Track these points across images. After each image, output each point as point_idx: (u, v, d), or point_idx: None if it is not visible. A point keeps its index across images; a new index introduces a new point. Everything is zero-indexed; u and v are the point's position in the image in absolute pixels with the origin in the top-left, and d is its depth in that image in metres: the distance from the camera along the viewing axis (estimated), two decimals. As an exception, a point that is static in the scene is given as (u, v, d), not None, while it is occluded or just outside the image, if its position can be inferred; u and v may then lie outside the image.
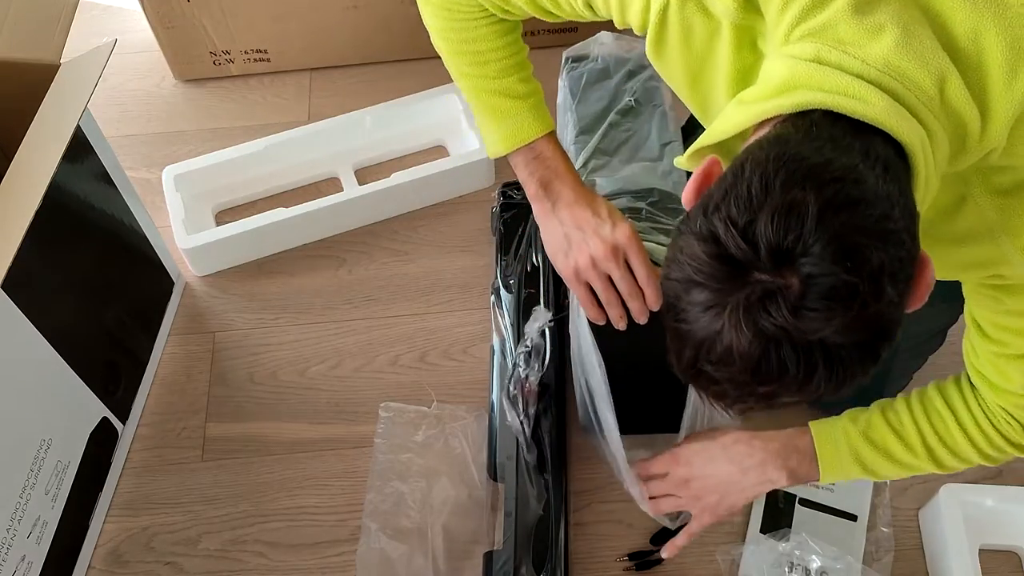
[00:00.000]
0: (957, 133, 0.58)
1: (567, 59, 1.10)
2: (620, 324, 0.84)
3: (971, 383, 0.78)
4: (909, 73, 0.55)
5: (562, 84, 1.10)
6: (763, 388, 0.53)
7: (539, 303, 1.05)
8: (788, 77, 0.56)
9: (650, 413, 0.97)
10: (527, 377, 0.97)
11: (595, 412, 0.92)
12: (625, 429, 0.91)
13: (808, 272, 0.49)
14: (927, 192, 0.58)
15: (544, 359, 0.99)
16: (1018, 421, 0.76)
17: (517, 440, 0.99)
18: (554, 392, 1.03)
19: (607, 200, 0.84)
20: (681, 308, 0.54)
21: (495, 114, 0.85)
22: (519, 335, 1.05)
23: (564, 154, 0.86)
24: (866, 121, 0.53)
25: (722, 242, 0.51)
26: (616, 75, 1.05)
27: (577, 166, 0.97)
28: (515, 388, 0.98)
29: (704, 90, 0.71)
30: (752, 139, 0.58)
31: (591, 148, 1.00)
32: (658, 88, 1.05)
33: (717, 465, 0.89)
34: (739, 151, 0.56)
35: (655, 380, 0.93)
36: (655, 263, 0.83)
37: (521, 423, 0.98)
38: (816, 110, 0.54)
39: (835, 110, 0.54)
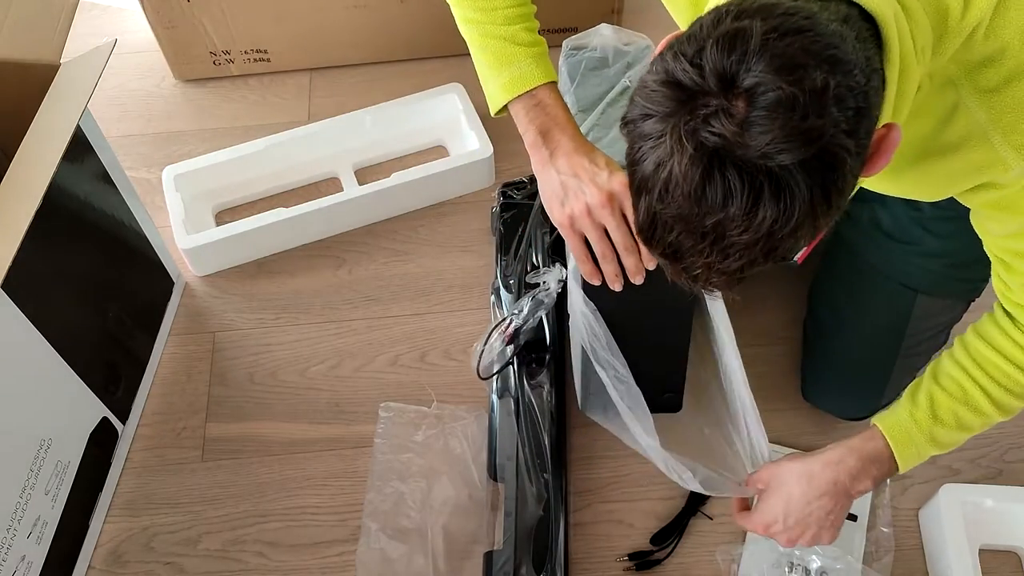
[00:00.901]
0: (938, 12, 0.59)
1: (567, 46, 1.11)
2: (615, 284, 0.81)
3: (1008, 314, 0.76)
4: None
5: (562, 68, 1.10)
6: (710, 220, 0.53)
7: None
8: None
9: (648, 392, 0.97)
10: (511, 322, 0.99)
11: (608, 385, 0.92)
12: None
13: (749, 84, 0.50)
14: (908, 81, 0.58)
15: (533, 317, 1.00)
16: None
17: (517, 440, 0.99)
18: (554, 393, 1.03)
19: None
20: (636, 150, 0.55)
21: (498, 61, 0.85)
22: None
23: (565, 105, 0.85)
24: None
25: (670, 70, 0.53)
26: (615, 65, 1.06)
27: None
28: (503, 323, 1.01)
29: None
30: None
31: (589, 124, 1.00)
32: None
33: (809, 503, 0.84)
34: None
35: (653, 359, 0.94)
36: None
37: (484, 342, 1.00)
38: None
39: None
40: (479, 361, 1.00)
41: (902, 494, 1.02)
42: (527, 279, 1.03)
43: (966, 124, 0.64)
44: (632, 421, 0.91)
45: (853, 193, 0.61)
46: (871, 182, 0.76)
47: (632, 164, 0.56)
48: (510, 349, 1.02)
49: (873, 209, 0.95)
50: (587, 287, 0.85)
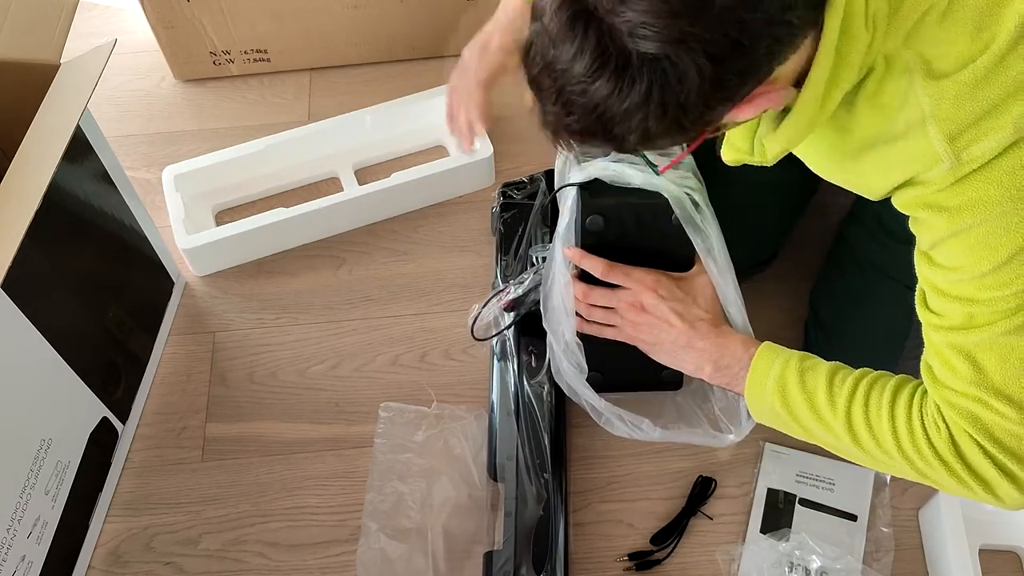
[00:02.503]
0: None
1: None
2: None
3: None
4: None
5: None
6: (559, 67, 0.56)
7: (538, 305, 1.05)
8: None
9: (627, 371, 0.98)
10: (508, 294, 1.01)
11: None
12: (602, 388, 0.93)
13: None
14: (850, 44, 0.59)
15: (534, 290, 1.01)
16: (947, 426, 0.70)
17: (516, 434, 0.99)
18: (555, 390, 1.03)
19: None
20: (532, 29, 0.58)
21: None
22: (519, 335, 1.05)
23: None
24: None
25: None
26: None
27: None
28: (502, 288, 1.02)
29: None
30: None
31: None
32: None
33: (675, 324, 0.88)
34: None
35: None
36: (632, 187, 0.86)
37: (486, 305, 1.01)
38: None
39: None
40: (474, 322, 1.01)
41: (902, 494, 1.02)
42: (531, 252, 1.03)
43: (915, 112, 0.63)
44: (580, 386, 0.93)
45: (721, 127, 0.64)
46: (813, 162, 0.76)
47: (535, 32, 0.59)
48: (509, 316, 1.02)
49: (877, 209, 0.95)
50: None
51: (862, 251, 0.98)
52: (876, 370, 0.80)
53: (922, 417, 0.72)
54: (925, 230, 0.69)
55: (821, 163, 0.77)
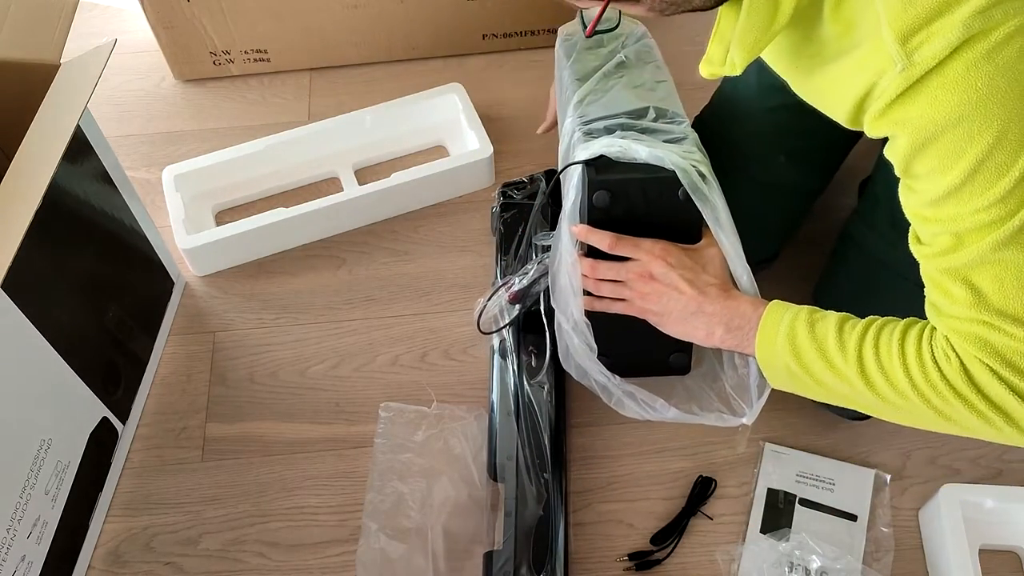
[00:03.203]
0: None
1: (562, 33, 1.12)
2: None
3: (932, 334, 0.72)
4: None
5: (558, 51, 1.10)
6: None
7: (538, 304, 1.05)
8: None
9: (634, 355, 0.97)
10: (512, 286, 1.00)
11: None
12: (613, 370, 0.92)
13: None
14: None
15: (538, 282, 1.01)
16: (957, 355, 0.68)
17: (516, 434, 0.99)
18: (556, 390, 1.03)
19: None
20: None
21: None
22: (519, 335, 1.05)
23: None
24: None
25: None
26: (609, 44, 1.06)
27: (572, 102, 0.98)
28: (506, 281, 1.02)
29: None
30: None
31: (585, 91, 0.99)
32: (651, 49, 1.05)
33: (685, 291, 0.87)
34: None
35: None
36: (638, 162, 0.86)
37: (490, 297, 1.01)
38: None
39: None
40: (480, 315, 1.00)
41: (902, 494, 1.02)
42: (536, 239, 1.03)
43: (870, 18, 0.63)
44: (590, 364, 0.92)
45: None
46: (786, 75, 0.76)
47: None
48: (515, 309, 1.02)
49: (884, 205, 0.95)
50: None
51: (869, 249, 0.98)
52: None
53: (932, 350, 0.70)
54: (897, 150, 0.68)
55: (792, 76, 0.76)
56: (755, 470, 1.03)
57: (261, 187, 1.29)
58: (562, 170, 0.94)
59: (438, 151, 1.34)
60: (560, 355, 0.97)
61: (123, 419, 1.07)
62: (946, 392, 0.68)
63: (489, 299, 1.02)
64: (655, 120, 0.93)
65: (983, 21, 0.58)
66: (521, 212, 1.16)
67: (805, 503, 1.00)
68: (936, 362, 0.69)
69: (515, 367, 1.04)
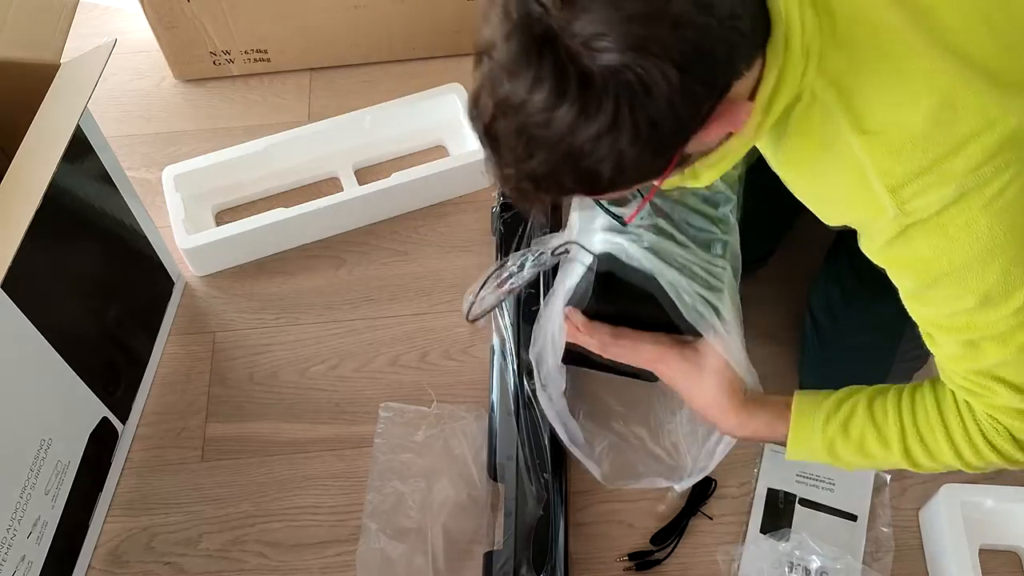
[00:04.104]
0: (829, 15, 0.60)
1: None
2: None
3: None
4: None
5: None
6: (516, 98, 0.51)
7: (538, 304, 1.05)
8: None
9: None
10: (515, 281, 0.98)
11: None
12: (577, 363, 0.92)
13: None
14: (789, 69, 0.59)
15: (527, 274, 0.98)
16: (1006, 428, 0.71)
17: (516, 434, 0.99)
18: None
19: None
20: (481, 14, 0.54)
21: None
22: (519, 335, 1.05)
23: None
24: None
25: None
26: None
27: None
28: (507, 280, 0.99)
29: None
30: None
31: None
32: None
33: (689, 400, 0.87)
34: None
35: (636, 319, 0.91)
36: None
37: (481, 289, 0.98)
38: None
39: None
40: (471, 306, 0.99)
41: (902, 494, 1.02)
42: (535, 243, 1.01)
43: (848, 160, 0.64)
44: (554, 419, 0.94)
45: (686, 160, 0.62)
46: (790, 180, 0.75)
47: (477, 31, 0.55)
48: (501, 294, 0.99)
49: None
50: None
51: (861, 254, 0.99)
52: (880, 369, 0.80)
53: (980, 429, 0.72)
54: (901, 287, 0.71)
55: (778, 172, 0.76)
56: (755, 470, 1.03)
57: (261, 187, 1.29)
58: (566, 243, 0.91)
59: (438, 151, 1.34)
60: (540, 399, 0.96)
61: (123, 419, 1.07)
62: (992, 457, 0.72)
63: (482, 287, 0.99)
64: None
65: (976, 178, 0.60)
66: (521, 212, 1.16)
67: (805, 503, 1.00)
68: (987, 439, 0.72)
69: (515, 367, 1.04)
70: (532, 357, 0.94)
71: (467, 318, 0.99)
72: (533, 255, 0.98)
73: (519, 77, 0.51)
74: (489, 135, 0.55)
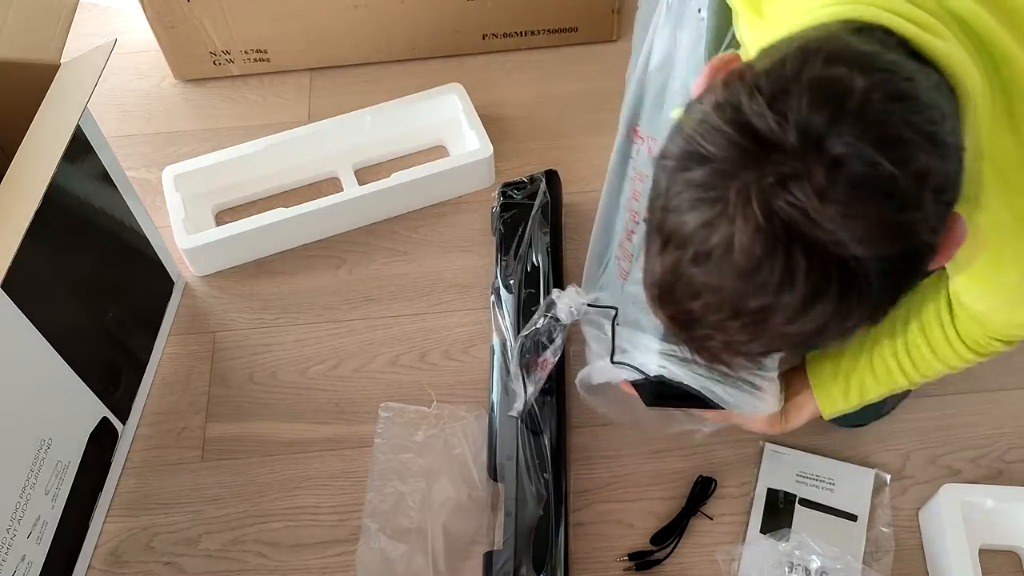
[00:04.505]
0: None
1: None
2: None
3: (950, 307, 0.78)
4: (980, 23, 0.51)
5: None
6: (755, 302, 0.45)
7: (538, 304, 1.05)
8: None
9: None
10: (544, 350, 0.99)
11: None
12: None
13: (839, 153, 0.41)
14: (988, 164, 0.53)
15: (558, 342, 1.00)
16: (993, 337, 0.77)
17: (516, 434, 0.99)
18: (556, 391, 1.03)
19: None
20: (673, 192, 0.46)
21: None
22: (519, 333, 1.05)
23: None
24: (928, 55, 0.48)
25: (743, 110, 0.43)
26: None
27: None
28: (527, 356, 1.00)
29: None
30: None
31: None
32: None
33: (749, 424, 0.98)
34: None
35: None
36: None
37: (525, 389, 1.00)
38: (858, 24, 0.49)
39: (890, 28, 0.48)
40: (524, 408, 1.01)
41: (902, 494, 1.02)
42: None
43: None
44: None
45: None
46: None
47: (663, 208, 0.47)
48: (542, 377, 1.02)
49: None
50: None
51: None
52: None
53: (963, 342, 0.79)
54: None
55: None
56: (755, 470, 1.03)
57: (261, 187, 1.29)
58: (617, 359, 0.93)
59: (438, 151, 1.34)
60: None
61: (123, 419, 1.07)
62: (971, 356, 0.80)
63: (523, 386, 1.01)
64: None
65: None
66: (521, 212, 1.16)
67: (805, 503, 1.00)
68: (967, 346, 0.79)
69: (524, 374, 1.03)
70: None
71: (520, 418, 1.01)
72: (561, 327, 0.99)
73: (760, 279, 0.44)
74: (687, 321, 0.50)
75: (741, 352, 0.50)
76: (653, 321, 0.89)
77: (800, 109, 0.42)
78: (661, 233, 0.47)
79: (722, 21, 0.77)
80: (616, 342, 0.93)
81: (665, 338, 0.88)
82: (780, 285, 0.44)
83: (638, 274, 0.88)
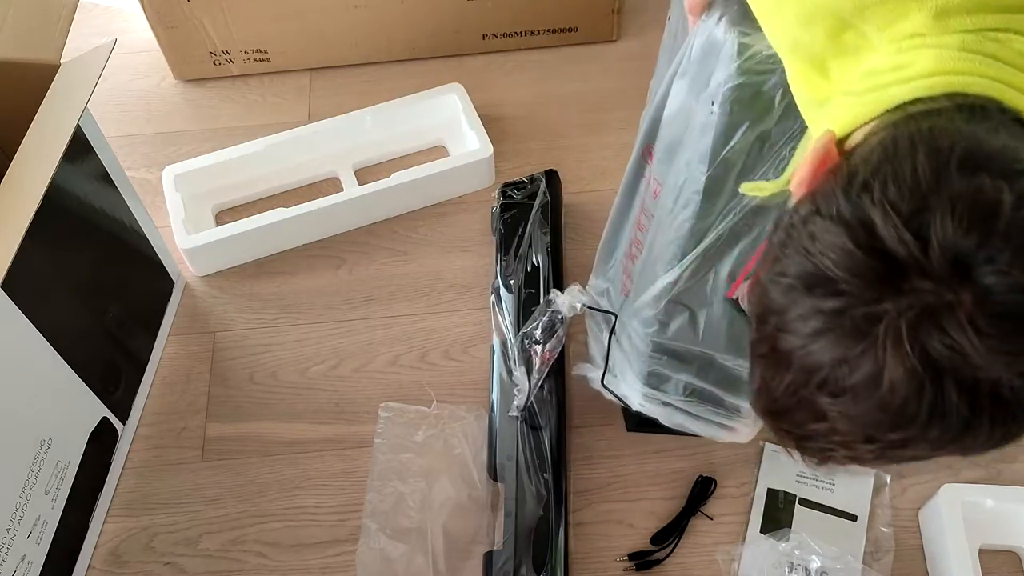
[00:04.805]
0: None
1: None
2: None
3: None
4: None
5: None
6: (896, 435, 0.42)
7: (538, 303, 1.05)
8: (935, 64, 0.46)
9: None
10: (544, 344, 1.00)
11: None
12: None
13: (990, 284, 0.38)
14: None
15: (560, 334, 1.01)
16: None
17: (516, 434, 0.99)
18: (556, 390, 1.03)
19: None
20: (794, 315, 0.42)
21: None
22: (519, 332, 1.05)
23: None
24: None
25: (879, 233, 0.39)
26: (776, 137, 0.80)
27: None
28: (528, 349, 1.01)
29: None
30: (876, 124, 0.48)
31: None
32: None
33: None
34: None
35: None
36: None
37: (529, 380, 1.00)
38: (970, 97, 0.45)
39: (1002, 102, 0.45)
40: (525, 401, 1.02)
41: (902, 494, 1.02)
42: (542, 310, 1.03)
43: None
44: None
45: None
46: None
47: (779, 328, 0.43)
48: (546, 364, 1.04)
49: None
50: None
51: None
52: None
53: None
54: None
55: None
56: (755, 470, 1.03)
57: (261, 187, 1.29)
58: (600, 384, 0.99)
59: (438, 151, 1.34)
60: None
61: (123, 419, 1.07)
62: None
63: (529, 384, 1.02)
64: None
65: None
66: (521, 212, 1.16)
67: (805, 503, 1.00)
68: None
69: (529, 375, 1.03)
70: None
71: (520, 416, 1.02)
72: (562, 325, 1.01)
73: (906, 415, 0.41)
74: (804, 437, 0.46)
75: (859, 462, 0.47)
76: (639, 357, 0.92)
77: (944, 231, 0.38)
78: (776, 352, 0.44)
79: (736, 118, 0.74)
80: (610, 360, 0.96)
81: (647, 382, 0.93)
82: (929, 420, 0.41)
83: (637, 298, 0.90)
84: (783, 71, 0.67)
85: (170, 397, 1.12)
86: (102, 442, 1.02)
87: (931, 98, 0.45)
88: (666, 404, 0.94)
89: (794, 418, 0.45)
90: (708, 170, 0.76)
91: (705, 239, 0.80)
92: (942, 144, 0.41)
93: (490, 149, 1.26)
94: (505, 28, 1.41)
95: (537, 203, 1.16)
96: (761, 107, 0.73)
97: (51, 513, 0.92)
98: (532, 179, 1.20)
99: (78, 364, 0.95)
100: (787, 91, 0.69)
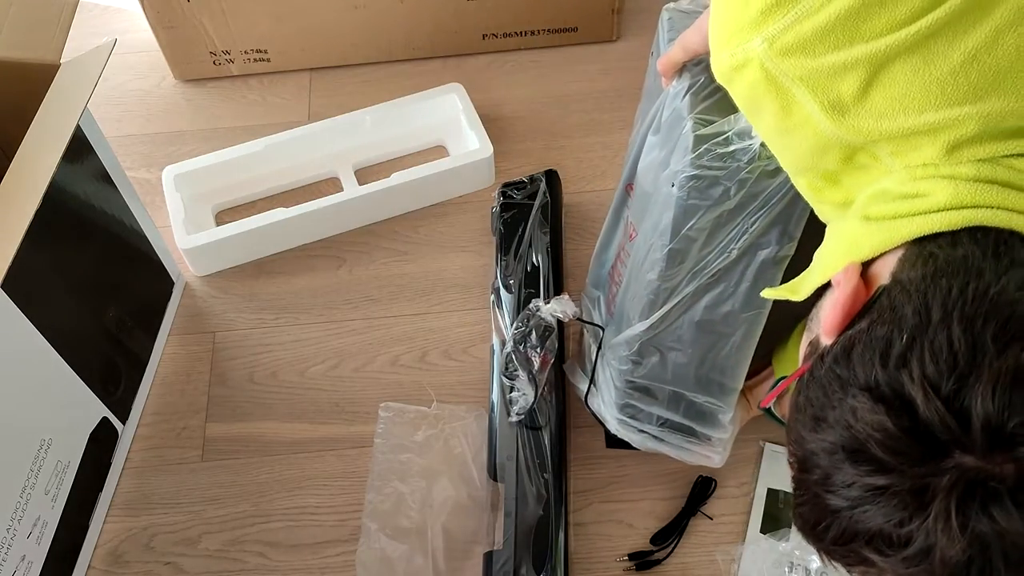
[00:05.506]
0: None
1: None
2: None
3: None
4: None
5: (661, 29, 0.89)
6: None
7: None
8: (952, 198, 0.48)
9: None
10: (541, 347, 1.01)
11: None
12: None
13: None
14: None
15: (555, 341, 1.02)
16: None
17: (516, 434, 0.99)
18: (556, 390, 1.03)
19: None
20: (839, 480, 0.44)
21: None
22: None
23: None
24: None
25: (921, 416, 0.41)
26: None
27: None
28: (523, 352, 1.01)
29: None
30: (900, 260, 0.49)
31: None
32: None
33: None
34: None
35: None
36: None
37: (534, 381, 1.01)
38: (989, 231, 0.47)
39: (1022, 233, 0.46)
40: (527, 408, 1.02)
41: (902, 494, 1.02)
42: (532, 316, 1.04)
43: None
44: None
45: None
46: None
47: (823, 486, 0.45)
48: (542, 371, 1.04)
49: None
50: None
51: None
52: None
53: None
54: None
55: None
56: (755, 470, 1.03)
57: (261, 187, 1.29)
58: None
59: (438, 151, 1.34)
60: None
61: (123, 419, 1.07)
62: None
63: (534, 387, 1.02)
64: None
65: None
66: (521, 212, 1.16)
67: (805, 503, 1.00)
68: None
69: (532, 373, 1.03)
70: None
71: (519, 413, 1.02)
72: (553, 334, 1.02)
73: None
74: (852, 566, 0.48)
75: None
76: (615, 391, 0.94)
77: (984, 409, 0.40)
78: (820, 504, 0.46)
79: (694, 203, 0.76)
80: (595, 375, 0.98)
81: (622, 410, 0.95)
82: None
83: (615, 333, 0.92)
84: (736, 169, 0.72)
85: (170, 397, 1.12)
86: (102, 442, 1.02)
87: (952, 233, 0.47)
88: (641, 431, 0.96)
89: (839, 558, 0.47)
90: (670, 244, 0.80)
91: (671, 299, 0.84)
92: (975, 313, 0.42)
93: (490, 149, 1.26)
94: (505, 28, 1.41)
95: (537, 203, 1.17)
96: (719, 193, 0.76)
97: (51, 513, 0.92)
98: (532, 179, 1.20)
99: (78, 364, 0.95)
100: (742, 185, 0.74)
